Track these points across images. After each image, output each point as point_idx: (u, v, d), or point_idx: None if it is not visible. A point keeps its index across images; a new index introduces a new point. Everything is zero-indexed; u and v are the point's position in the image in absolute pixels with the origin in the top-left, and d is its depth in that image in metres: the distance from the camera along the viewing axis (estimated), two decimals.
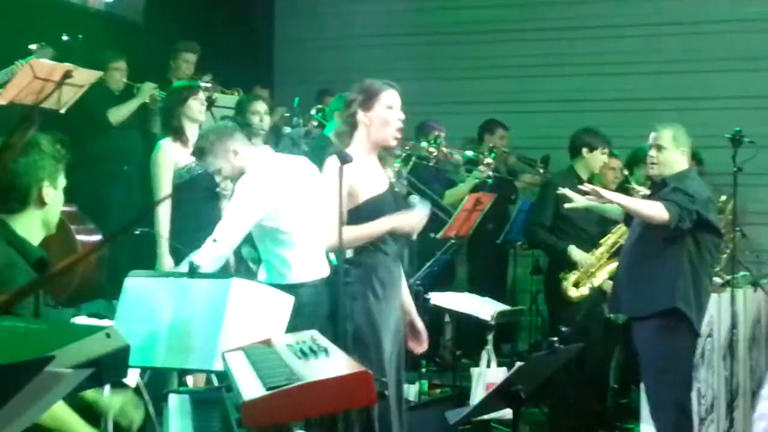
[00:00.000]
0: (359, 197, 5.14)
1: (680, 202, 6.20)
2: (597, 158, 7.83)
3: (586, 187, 6.48)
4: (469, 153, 9.25)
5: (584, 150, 7.83)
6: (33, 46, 7.08)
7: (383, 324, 5.14)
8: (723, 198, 8.51)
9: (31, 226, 3.71)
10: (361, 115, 5.19)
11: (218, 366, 4.32)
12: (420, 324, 5.59)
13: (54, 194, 3.74)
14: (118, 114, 8.50)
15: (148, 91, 8.58)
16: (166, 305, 4.51)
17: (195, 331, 4.42)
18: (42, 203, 3.71)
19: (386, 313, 5.18)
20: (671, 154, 6.43)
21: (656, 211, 6.17)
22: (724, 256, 8.09)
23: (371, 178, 5.20)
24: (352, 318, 5.01)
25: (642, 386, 6.72)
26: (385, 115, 5.20)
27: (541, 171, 10.04)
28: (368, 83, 5.26)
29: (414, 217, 5.23)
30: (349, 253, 5.16)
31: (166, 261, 6.64)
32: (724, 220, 8.01)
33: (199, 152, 5.75)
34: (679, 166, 6.45)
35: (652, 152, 6.48)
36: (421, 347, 5.62)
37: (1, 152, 1.62)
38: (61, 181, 3.79)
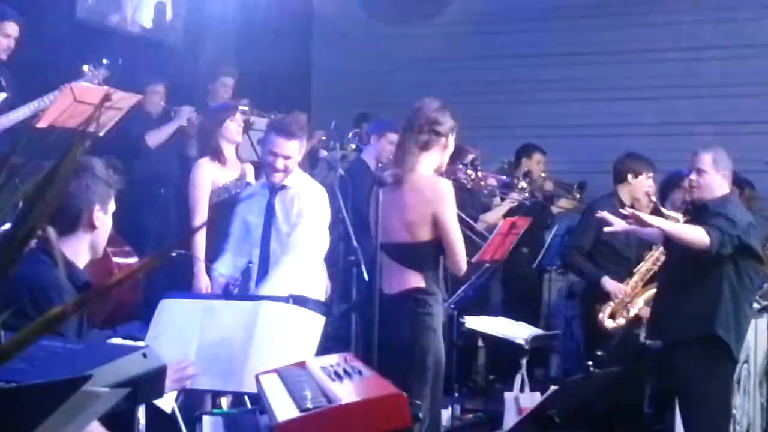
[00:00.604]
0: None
1: (721, 227, 6.15)
2: (642, 183, 7.81)
3: (627, 211, 6.45)
4: (504, 177, 9.25)
5: (629, 176, 7.82)
6: (85, 67, 7.15)
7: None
8: None
9: (79, 249, 3.74)
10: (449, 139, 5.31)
11: (247, 388, 4.35)
12: None
13: (104, 219, 3.77)
14: (155, 137, 8.55)
15: (186, 114, 8.63)
16: (195, 327, 4.55)
17: (224, 353, 4.45)
18: (92, 227, 3.74)
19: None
20: (712, 178, 6.39)
21: (698, 236, 6.12)
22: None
23: None
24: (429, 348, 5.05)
25: (677, 412, 6.67)
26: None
27: (578, 196, 10.02)
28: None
29: None
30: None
31: (202, 281, 6.66)
32: None
33: None
34: (720, 190, 6.40)
35: (693, 176, 6.44)
36: None
37: (53, 173, 1.64)
38: (112, 206, 3.82)
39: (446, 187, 5.15)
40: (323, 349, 5.04)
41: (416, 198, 5.05)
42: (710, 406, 6.29)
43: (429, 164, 5.23)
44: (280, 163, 6.00)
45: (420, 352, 5.05)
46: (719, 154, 6.43)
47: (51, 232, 3.54)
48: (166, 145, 8.66)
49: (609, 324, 7.64)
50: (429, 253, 5.09)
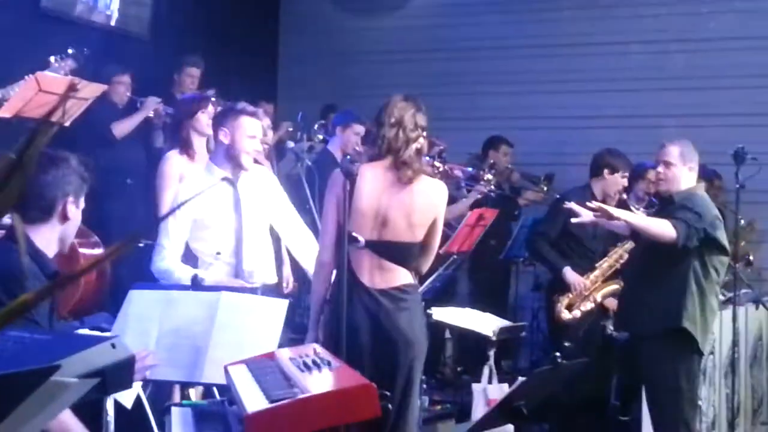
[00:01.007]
0: None
1: (688, 220, 6.19)
2: (616, 181, 7.86)
3: (594, 204, 6.48)
4: (469, 169, 9.26)
5: (606, 171, 7.86)
6: (52, 58, 7.10)
7: None
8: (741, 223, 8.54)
9: (50, 239, 3.75)
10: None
11: (208, 378, 4.35)
12: None
13: (75, 212, 3.79)
14: (121, 128, 8.51)
15: (152, 105, 8.60)
16: (156, 317, 4.54)
17: (184, 344, 4.45)
18: (64, 218, 3.76)
19: None
20: (678, 170, 6.42)
21: (664, 229, 6.15)
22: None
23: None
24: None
25: (644, 404, 6.71)
26: None
27: (545, 189, 10.04)
28: None
29: None
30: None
31: None
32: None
33: None
34: (687, 183, 6.44)
35: (660, 168, 6.47)
36: None
37: (17, 160, 1.63)
38: (82, 202, 3.84)
39: (447, 193, 5.24)
40: (293, 341, 5.04)
41: (425, 201, 5.06)
42: (677, 398, 6.32)
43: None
44: (258, 145, 5.98)
45: (423, 342, 5.13)
46: (686, 147, 6.47)
47: (16, 219, 3.53)
48: (132, 135, 8.63)
49: (565, 315, 7.68)
50: (417, 252, 5.13)
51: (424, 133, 5.19)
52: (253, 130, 5.79)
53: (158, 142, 8.79)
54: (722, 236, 6.42)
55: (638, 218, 6.45)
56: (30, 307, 1.69)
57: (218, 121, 5.90)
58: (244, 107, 5.91)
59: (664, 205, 6.61)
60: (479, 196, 9.14)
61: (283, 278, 7.86)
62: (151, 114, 8.62)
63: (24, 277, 3.44)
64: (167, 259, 5.66)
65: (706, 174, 7.88)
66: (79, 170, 3.77)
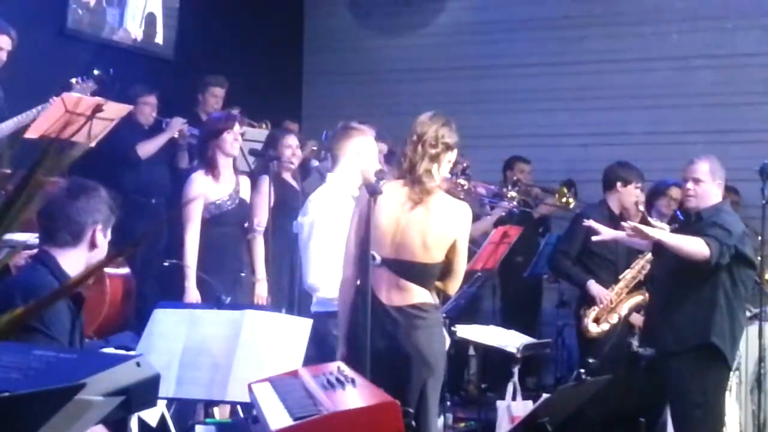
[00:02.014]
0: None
1: (719, 238, 6.18)
2: (630, 193, 7.83)
3: (628, 224, 6.46)
4: (493, 186, 9.26)
5: (618, 184, 7.85)
6: (73, 80, 7.15)
7: None
8: None
9: (76, 264, 3.78)
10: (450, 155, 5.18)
11: (232, 396, 4.37)
12: None
13: (103, 241, 3.84)
14: (146, 148, 8.55)
15: (178, 126, 8.64)
16: (181, 336, 4.57)
17: (207, 362, 4.47)
18: (93, 245, 3.82)
19: None
20: (708, 187, 6.43)
21: (698, 247, 6.14)
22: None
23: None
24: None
25: (669, 421, 6.68)
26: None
27: (566, 196, 9.97)
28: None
29: None
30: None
31: (192, 294, 6.65)
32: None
33: None
34: (715, 199, 6.45)
35: (690, 185, 6.46)
36: None
37: (26, 179, 1.65)
38: (109, 233, 3.89)
39: (469, 214, 5.12)
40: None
41: (443, 221, 4.98)
42: (704, 413, 6.30)
43: (439, 179, 5.13)
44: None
45: (439, 362, 5.05)
46: (714, 164, 6.48)
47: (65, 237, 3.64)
48: (156, 155, 8.67)
49: (593, 329, 7.68)
50: (437, 273, 5.07)
51: (451, 151, 5.13)
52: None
53: (183, 163, 8.83)
54: (750, 251, 6.41)
55: (671, 238, 6.41)
56: (29, 316, 1.71)
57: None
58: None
59: (690, 221, 6.59)
60: (503, 213, 9.14)
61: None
62: (176, 135, 8.66)
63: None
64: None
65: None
66: (109, 201, 3.85)
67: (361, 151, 5.78)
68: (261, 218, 7.13)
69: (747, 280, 6.45)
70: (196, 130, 8.27)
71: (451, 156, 5.14)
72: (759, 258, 8.13)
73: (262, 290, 7.17)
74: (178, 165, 8.87)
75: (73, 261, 3.75)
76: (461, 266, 5.15)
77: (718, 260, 6.16)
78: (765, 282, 7.91)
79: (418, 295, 4.96)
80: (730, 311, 6.30)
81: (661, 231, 6.55)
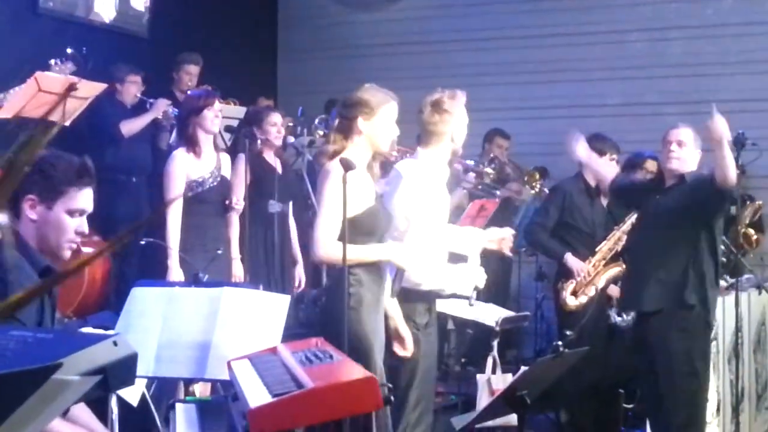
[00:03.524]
0: (353, 208, 4.88)
1: None
2: (606, 164, 7.85)
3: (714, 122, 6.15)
4: (470, 162, 9.26)
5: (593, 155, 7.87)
6: (52, 62, 7.11)
7: (376, 333, 5.07)
8: (759, 202, 8.64)
9: (30, 235, 3.65)
10: (360, 123, 5.10)
11: (211, 374, 4.37)
12: (403, 328, 5.40)
13: (44, 213, 3.66)
14: (130, 127, 8.54)
15: (162, 107, 8.63)
16: (159, 315, 4.56)
17: (186, 340, 4.47)
18: (29, 218, 3.65)
19: (376, 323, 5.10)
20: (690, 151, 6.48)
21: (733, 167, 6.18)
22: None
23: (364, 188, 5.05)
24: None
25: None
26: (385, 126, 5.15)
27: (535, 183, 9.98)
28: (371, 92, 5.20)
29: (411, 257, 5.11)
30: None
31: (175, 273, 6.64)
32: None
33: None
34: (694, 165, 6.51)
35: (674, 147, 6.49)
36: (405, 351, 5.40)
37: (13, 159, 1.64)
38: (65, 204, 3.74)
39: (328, 168, 5.03)
40: (295, 335, 5.05)
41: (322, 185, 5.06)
42: (692, 381, 6.35)
43: (352, 150, 5.06)
44: None
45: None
46: (696, 133, 6.54)
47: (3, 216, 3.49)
48: (139, 135, 8.65)
49: (571, 302, 7.71)
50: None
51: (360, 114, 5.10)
52: None
53: (164, 144, 8.81)
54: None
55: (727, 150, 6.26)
56: (27, 302, 1.70)
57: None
58: None
59: (670, 185, 6.61)
60: (464, 190, 9.16)
61: (296, 277, 7.91)
62: (160, 116, 8.65)
63: (11, 272, 3.39)
64: None
65: None
66: (45, 169, 3.63)
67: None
68: (238, 196, 7.12)
69: (721, 242, 6.56)
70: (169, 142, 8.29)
71: (365, 121, 5.09)
72: (738, 228, 8.24)
73: (237, 269, 7.17)
74: (159, 145, 8.85)
75: (26, 235, 3.65)
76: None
77: (730, 195, 6.32)
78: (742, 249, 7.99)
79: None
80: (709, 272, 6.38)
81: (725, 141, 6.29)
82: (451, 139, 5.64)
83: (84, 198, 3.70)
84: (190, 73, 9.35)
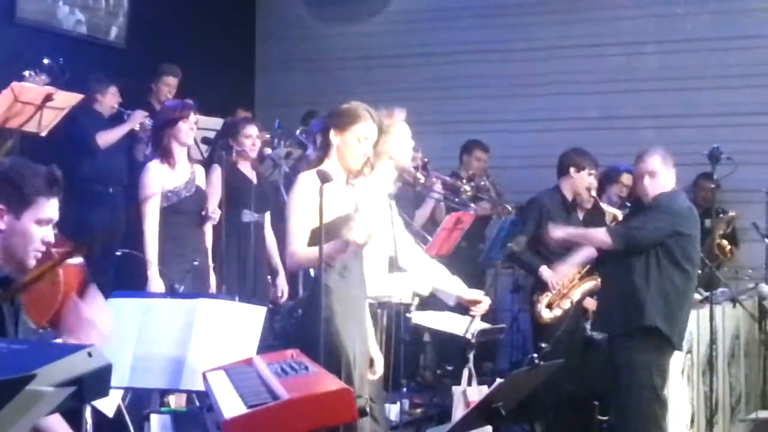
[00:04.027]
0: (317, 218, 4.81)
1: (631, 224, 6.59)
2: (583, 179, 7.88)
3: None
4: (448, 179, 9.27)
5: (572, 170, 7.89)
6: (26, 73, 7.09)
7: (355, 343, 5.05)
8: (732, 213, 8.71)
9: None
10: (332, 135, 5.11)
11: (186, 385, 4.37)
12: (375, 351, 5.35)
13: (12, 222, 3.61)
14: (106, 138, 8.51)
15: (139, 118, 8.60)
16: (134, 326, 4.56)
17: (162, 351, 4.46)
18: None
19: (356, 333, 5.08)
20: (663, 177, 6.53)
21: (599, 237, 6.65)
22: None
23: (337, 199, 5.05)
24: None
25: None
26: (354, 143, 5.16)
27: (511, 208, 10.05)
28: (351, 106, 5.21)
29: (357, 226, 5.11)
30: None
31: (155, 284, 6.61)
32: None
33: None
34: (669, 186, 6.54)
35: (646, 180, 6.53)
36: (373, 375, 5.32)
37: None
38: (33, 214, 3.68)
39: (298, 181, 5.08)
40: (271, 347, 5.05)
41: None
42: (647, 394, 6.40)
43: (329, 165, 5.05)
44: None
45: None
46: (664, 152, 6.58)
47: None
48: (115, 145, 8.63)
49: (546, 314, 7.73)
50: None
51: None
52: None
53: (140, 156, 8.78)
54: (696, 232, 6.55)
55: (576, 233, 7.01)
56: None
57: None
58: None
59: (637, 208, 6.70)
60: (434, 200, 9.17)
61: (278, 287, 7.91)
62: (137, 127, 8.63)
63: None
64: None
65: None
66: (15, 180, 3.55)
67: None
68: (214, 206, 7.10)
69: (695, 258, 6.58)
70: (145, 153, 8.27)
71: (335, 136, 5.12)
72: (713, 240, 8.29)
73: (212, 279, 7.16)
74: (136, 156, 8.82)
75: None
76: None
77: (626, 245, 6.41)
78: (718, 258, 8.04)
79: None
80: (676, 294, 6.41)
81: (566, 228, 7.03)
82: (390, 156, 5.63)
83: (52, 207, 3.61)
84: (168, 85, 9.32)
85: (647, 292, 6.37)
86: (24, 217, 3.58)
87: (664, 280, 6.41)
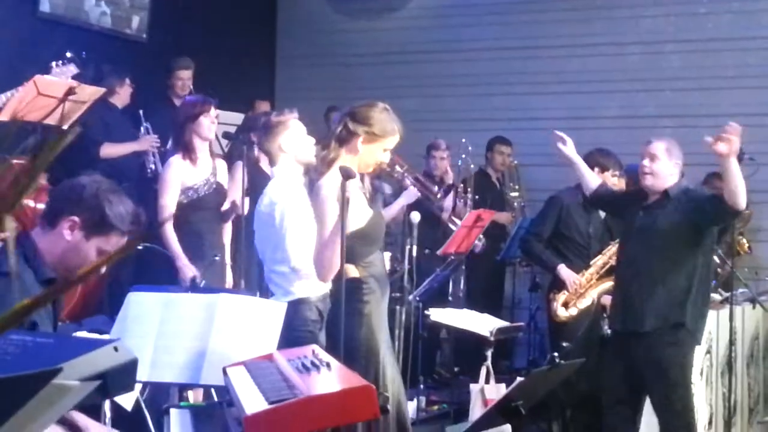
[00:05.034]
0: (357, 221, 5.00)
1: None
2: (607, 180, 7.84)
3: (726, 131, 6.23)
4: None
5: (596, 170, 7.85)
6: (53, 64, 7.10)
7: (380, 340, 5.11)
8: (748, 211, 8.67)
9: (51, 249, 3.63)
10: (359, 143, 5.10)
11: (206, 380, 4.37)
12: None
13: (80, 238, 3.60)
14: (109, 151, 8.41)
15: (147, 144, 8.58)
16: (155, 320, 4.57)
17: (182, 346, 4.47)
18: (62, 236, 3.62)
19: (379, 329, 5.14)
20: (664, 165, 6.43)
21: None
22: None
23: (360, 200, 5.12)
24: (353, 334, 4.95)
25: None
26: (379, 154, 5.18)
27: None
28: (383, 118, 5.17)
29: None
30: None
31: (188, 270, 6.61)
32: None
33: None
34: (673, 179, 6.45)
35: (646, 161, 6.46)
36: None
37: (33, 163, 1.65)
38: (101, 242, 3.66)
39: (324, 187, 5.04)
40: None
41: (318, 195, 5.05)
42: (684, 390, 6.35)
43: (347, 160, 5.07)
44: None
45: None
46: (672, 144, 6.52)
47: (8, 222, 3.43)
48: (127, 139, 8.62)
49: (561, 313, 7.72)
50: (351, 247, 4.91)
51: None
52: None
53: (148, 164, 8.72)
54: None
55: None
56: (30, 312, 1.70)
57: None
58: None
59: (654, 201, 6.58)
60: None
61: None
62: (146, 148, 8.60)
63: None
64: None
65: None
66: (97, 205, 3.63)
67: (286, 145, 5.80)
68: (237, 201, 7.11)
69: (711, 259, 6.58)
70: (165, 146, 8.26)
71: (356, 141, 5.11)
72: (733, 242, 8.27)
73: (229, 276, 7.16)
74: (144, 166, 8.75)
75: (47, 245, 3.63)
76: (322, 241, 5.03)
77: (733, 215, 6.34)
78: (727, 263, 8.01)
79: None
80: (702, 290, 6.37)
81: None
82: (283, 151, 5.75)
83: (119, 243, 3.67)
84: (182, 78, 9.29)
85: (691, 290, 6.31)
86: (93, 240, 3.64)
87: (704, 279, 6.39)
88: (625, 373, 6.52)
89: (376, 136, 5.11)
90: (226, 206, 7.06)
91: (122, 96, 8.73)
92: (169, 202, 6.76)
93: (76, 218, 3.59)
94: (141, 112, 8.76)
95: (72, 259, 3.63)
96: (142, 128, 8.70)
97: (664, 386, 6.38)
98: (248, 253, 7.34)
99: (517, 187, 10.41)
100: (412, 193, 8.20)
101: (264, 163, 7.77)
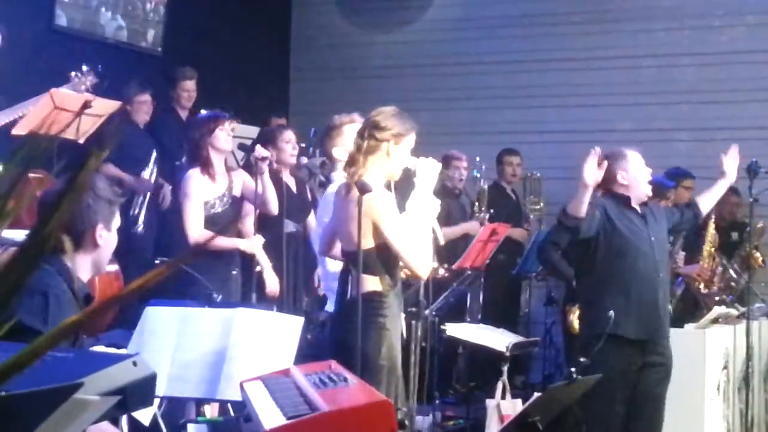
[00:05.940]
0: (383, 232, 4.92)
1: None
2: (682, 195, 7.89)
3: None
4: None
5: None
6: (72, 74, 7.08)
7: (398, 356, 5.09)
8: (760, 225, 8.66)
9: (82, 266, 3.69)
10: (391, 145, 5.07)
11: (222, 395, 4.36)
12: None
13: (107, 236, 3.71)
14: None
15: (144, 190, 8.60)
16: (172, 334, 4.57)
17: (199, 360, 4.46)
18: (95, 245, 3.69)
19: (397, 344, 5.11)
20: (637, 175, 6.81)
21: None
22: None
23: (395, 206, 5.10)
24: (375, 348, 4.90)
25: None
26: (407, 154, 5.16)
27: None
28: (400, 117, 5.15)
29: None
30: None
31: (272, 280, 6.68)
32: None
33: None
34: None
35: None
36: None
37: (71, 182, 1.64)
38: (116, 222, 3.78)
39: (376, 198, 4.94)
40: (305, 357, 5.04)
41: (354, 209, 4.86)
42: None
43: (376, 171, 5.02)
44: None
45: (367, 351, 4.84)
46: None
47: (67, 242, 3.53)
48: (141, 156, 8.60)
49: (577, 325, 7.68)
50: (375, 259, 4.91)
51: (389, 140, 5.05)
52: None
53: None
54: None
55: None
56: (77, 328, 1.71)
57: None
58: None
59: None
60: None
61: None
62: (139, 192, 8.60)
63: (54, 298, 3.42)
64: None
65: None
66: (108, 193, 3.73)
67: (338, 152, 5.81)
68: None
69: None
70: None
71: (388, 148, 5.08)
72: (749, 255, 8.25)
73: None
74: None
75: (77, 264, 3.66)
76: (397, 250, 4.94)
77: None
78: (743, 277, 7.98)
79: (366, 284, 4.89)
80: None
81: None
82: None
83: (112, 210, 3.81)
84: (188, 90, 9.23)
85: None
86: (111, 226, 3.76)
87: None
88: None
89: (401, 135, 5.07)
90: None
91: (143, 111, 8.67)
92: (198, 216, 6.68)
93: (97, 224, 3.68)
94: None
95: (106, 255, 3.78)
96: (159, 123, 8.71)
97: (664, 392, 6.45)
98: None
99: (537, 199, 10.38)
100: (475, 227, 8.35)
101: (286, 175, 7.75)
